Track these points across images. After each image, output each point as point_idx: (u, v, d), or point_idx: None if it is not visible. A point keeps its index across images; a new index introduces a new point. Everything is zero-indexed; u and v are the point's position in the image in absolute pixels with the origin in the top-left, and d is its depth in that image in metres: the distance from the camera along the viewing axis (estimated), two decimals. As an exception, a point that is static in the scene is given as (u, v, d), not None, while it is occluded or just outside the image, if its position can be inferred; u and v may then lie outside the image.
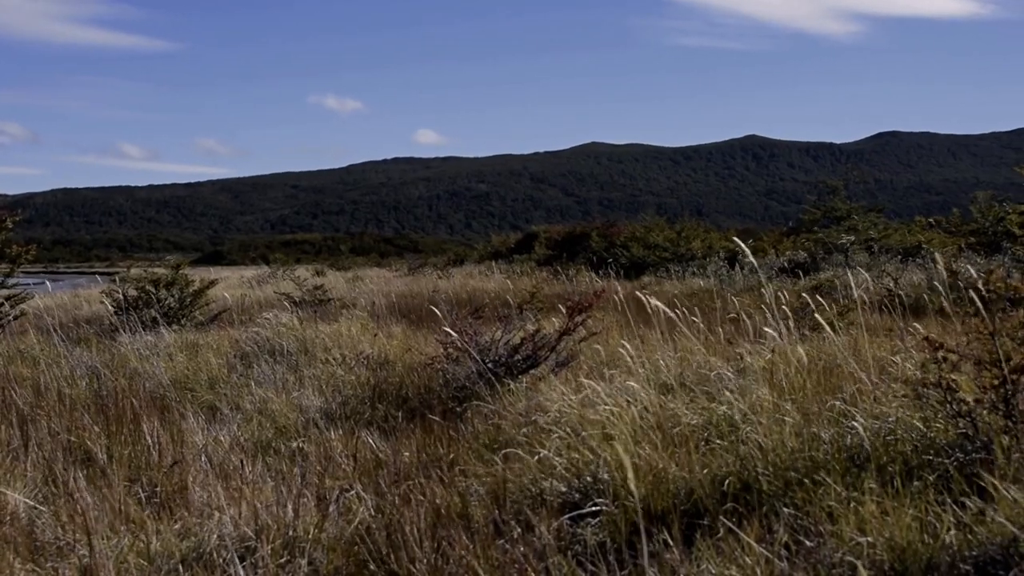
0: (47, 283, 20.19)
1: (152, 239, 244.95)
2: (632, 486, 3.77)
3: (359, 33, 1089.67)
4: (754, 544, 4.65)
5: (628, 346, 8.32)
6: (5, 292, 13.47)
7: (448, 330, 9.80)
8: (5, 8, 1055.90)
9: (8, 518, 5.69)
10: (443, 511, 5.83)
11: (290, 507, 5.73)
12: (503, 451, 6.82)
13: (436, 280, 32.60)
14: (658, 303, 8.00)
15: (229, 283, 34.15)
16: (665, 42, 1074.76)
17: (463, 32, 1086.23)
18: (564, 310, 10.10)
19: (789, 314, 8.33)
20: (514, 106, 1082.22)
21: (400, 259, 75.51)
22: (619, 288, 11.56)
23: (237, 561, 4.97)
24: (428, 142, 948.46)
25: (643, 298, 8.75)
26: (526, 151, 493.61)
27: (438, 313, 11.65)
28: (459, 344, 9.79)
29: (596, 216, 57.20)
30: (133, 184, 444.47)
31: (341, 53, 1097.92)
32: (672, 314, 8.02)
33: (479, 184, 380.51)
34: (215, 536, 5.47)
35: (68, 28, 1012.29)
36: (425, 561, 5.08)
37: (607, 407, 6.75)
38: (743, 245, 8.22)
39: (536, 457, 6.45)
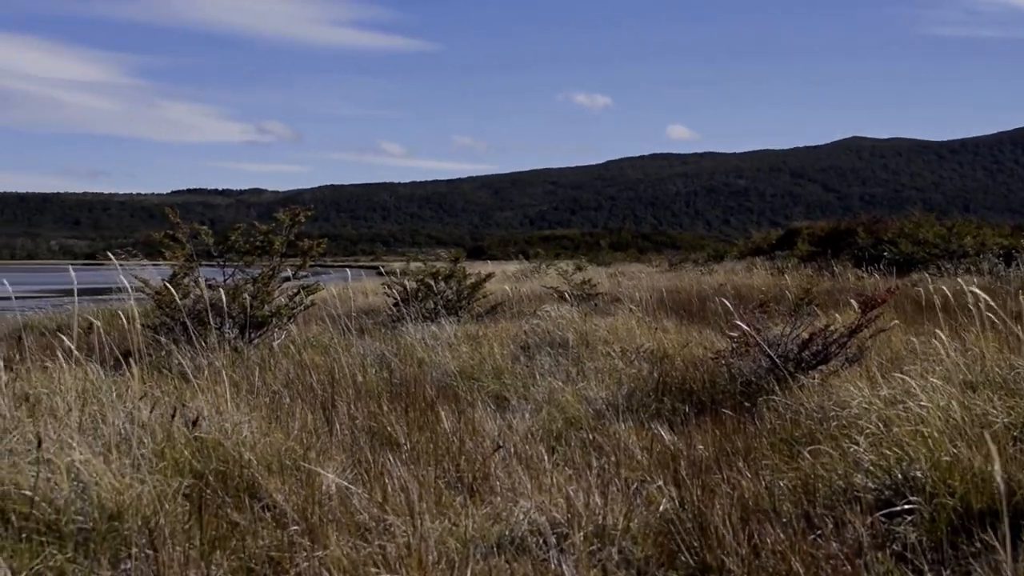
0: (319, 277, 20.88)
1: (414, 234, 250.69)
2: (951, 483, 3.67)
3: (606, 29, 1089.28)
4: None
5: (943, 337, 8.09)
6: (297, 283, 13.96)
7: (740, 324, 9.71)
8: (265, 13, 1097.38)
9: (324, 498, 5.89)
10: (750, 504, 5.79)
11: (596, 496, 5.78)
12: (809, 447, 6.73)
13: (699, 276, 32.38)
14: (980, 294, 7.75)
15: (494, 277, 34.62)
16: (923, 32, 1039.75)
17: (710, 30, 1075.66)
18: (856, 305, 9.88)
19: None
20: (771, 101, 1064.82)
21: (658, 255, 75.24)
22: (892, 285, 11.29)
23: (555, 545, 5.04)
24: (680, 138, 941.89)
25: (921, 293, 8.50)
26: (785, 146, 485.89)
27: (723, 307, 11.56)
28: (748, 338, 9.70)
29: (857, 212, 55.78)
30: (395, 181, 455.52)
31: (589, 50, 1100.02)
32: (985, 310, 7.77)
33: (737, 180, 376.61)
34: (525, 521, 5.56)
35: (326, 30, 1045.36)
36: (737, 553, 5.05)
37: (914, 403, 6.57)
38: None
39: (844, 452, 6.34)
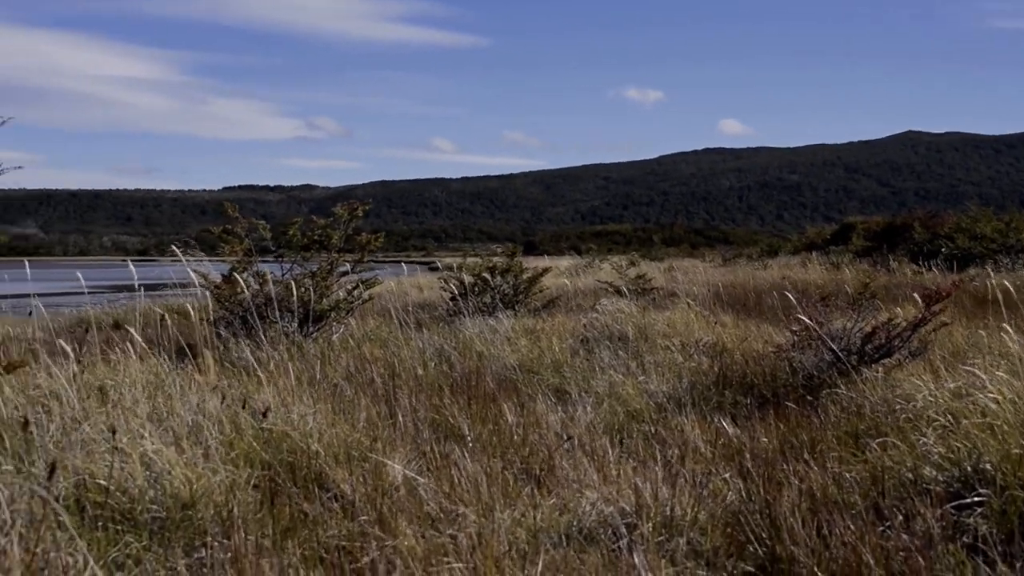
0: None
1: (466, 230, 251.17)
2: (1021, 476, 3.64)
3: (658, 24, 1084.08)
4: None
5: (1010, 331, 8.03)
6: (356, 277, 14.04)
7: (802, 317, 9.67)
8: (318, 10, 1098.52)
9: (391, 489, 5.92)
10: (818, 495, 5.78)
11: (664, 488, 5.78)
12: (875, 440, 6.71)
13: (753, 271, 32.25)
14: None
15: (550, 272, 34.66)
16: (980, 25, 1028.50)
17: (764, 24, 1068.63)
18: (920, 299, 9.82)
19: None
20: (825, 95, 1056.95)
21: (711, 250, 74.99)
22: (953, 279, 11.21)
23: (626, 535, 5.06)
24: (733, 132, 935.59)
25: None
26: (839, 140, 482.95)
27: (780, 302, 11.53)
28: (810, 332, 9.66)
29: (912, 207, 55.29)
30: (446, 176, 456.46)
31: (641, 44, 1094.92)
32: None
33: (790, 175, 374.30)
34: (593, 512, 5.57)
35: (377, 26, 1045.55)
36: (807, 544, 5.04)
37: (982, 396, 6.52)
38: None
39: (911, 445, 6.32)
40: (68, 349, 6.77)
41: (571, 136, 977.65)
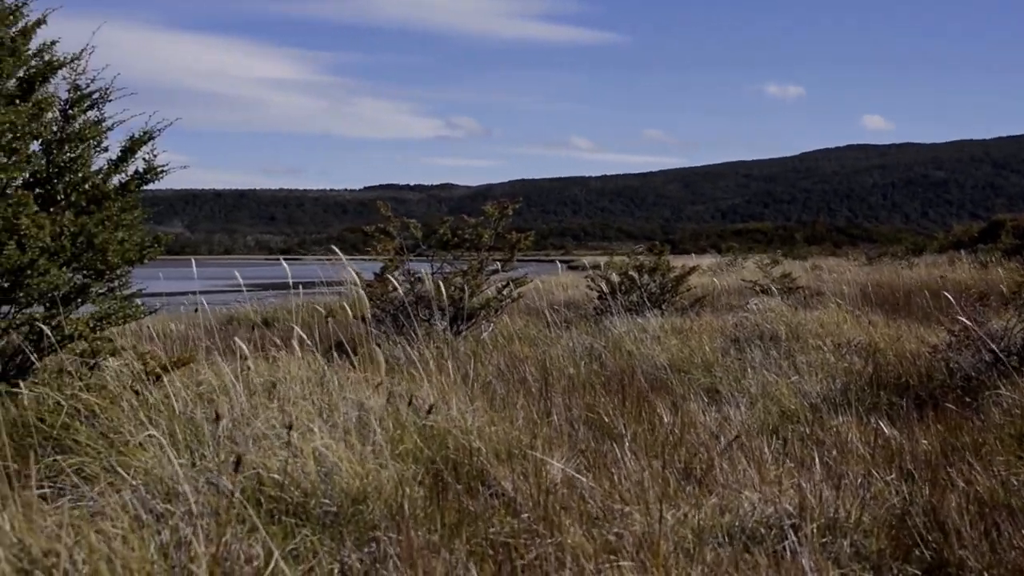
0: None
1: (605, 228, 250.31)
2: None
3: (797, 18, 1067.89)
4: None
5: None
6: (506, 275, 14.18)
7: (961, 318, 9.52)
8: (457, 10, 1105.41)
9: (551, 486, 5.97)
10: (985, 498, 5.69)
11: (826, 489, 5.75)
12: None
13: (899, 270, 31.72)
14: None
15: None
16: None
17: (906, 15, 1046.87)
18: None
19: None
20: (972, 88, 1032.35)
21: (854, 248, 73.84)
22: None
23: (791, 536, 5.05)
24: (876, 128, 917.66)
25: None
26: (987, 135, 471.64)
27: (931, 301, 11.34)
28: (968, 332, 9.50)
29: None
30: (585, 175, 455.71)
31: (780, 40, 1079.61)
32: None
33: (936, 171, 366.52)
34: (754, 513, 5.57)
35: (516, 24, 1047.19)
36: (976, 549, 4.97)
37: None
38: None
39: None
40: (244, 346, 6.96)
41: (710, 133, 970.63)
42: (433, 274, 13.66)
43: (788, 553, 5.00)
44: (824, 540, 5.24)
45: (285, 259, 9.53)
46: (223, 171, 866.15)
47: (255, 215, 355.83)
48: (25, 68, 8.37)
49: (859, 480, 6.31)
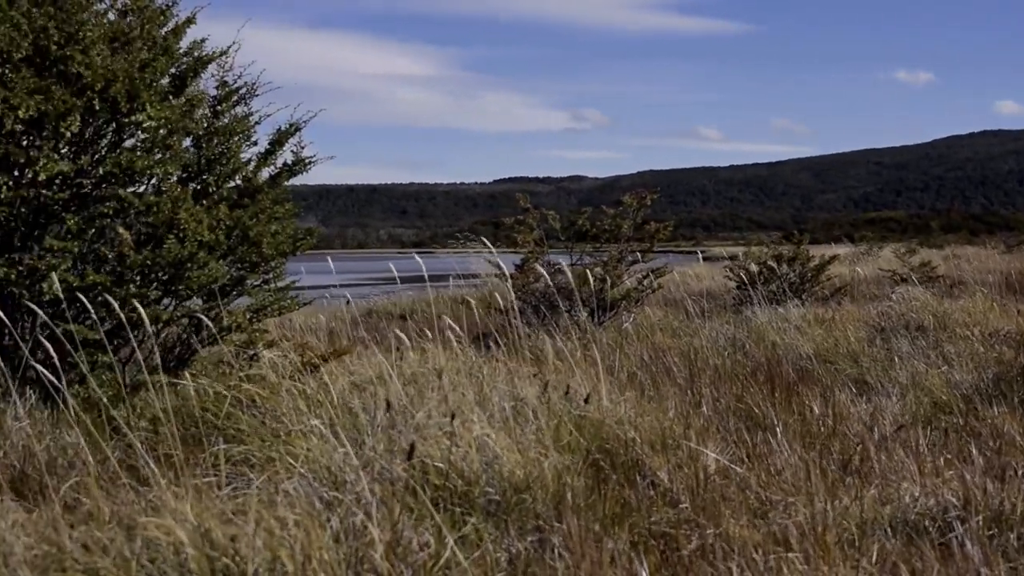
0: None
1: (734, 218, 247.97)
2: None
3: (927, 2, 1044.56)
4: None
5: None
6: (645, 266, 14.20)
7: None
8: (583, 2, 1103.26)
9: (709, 477, 5.97)
10: None
11: (989, 481, 5.67)
12: None
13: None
14: None
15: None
16: None
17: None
18: None
19: None
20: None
21: (992, 236, 72.22)
22: None
23: (958, 528, 4.99)
24: (1010, 113, 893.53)
25: None
26: None
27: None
28: None
29: None
30: (714, 165, 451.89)
31: (909, 25, 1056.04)
32: None
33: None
34: (915, 505, 5.52)
35: (643, 15, 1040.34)
36: None
37: None
38: None
39: None
40: (404, 337, 7.07)
41: (839, 121, 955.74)
42: (573, 264, 13.72)
43: (955, 545, 4.94)
44: (990, 533, 5.17)
45: (419, 252, 9.65)
46: (355, 166, 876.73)
47: (387, 209, 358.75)
48: (176, 65, 8.60)
49: (1022, 472, 6.20)
